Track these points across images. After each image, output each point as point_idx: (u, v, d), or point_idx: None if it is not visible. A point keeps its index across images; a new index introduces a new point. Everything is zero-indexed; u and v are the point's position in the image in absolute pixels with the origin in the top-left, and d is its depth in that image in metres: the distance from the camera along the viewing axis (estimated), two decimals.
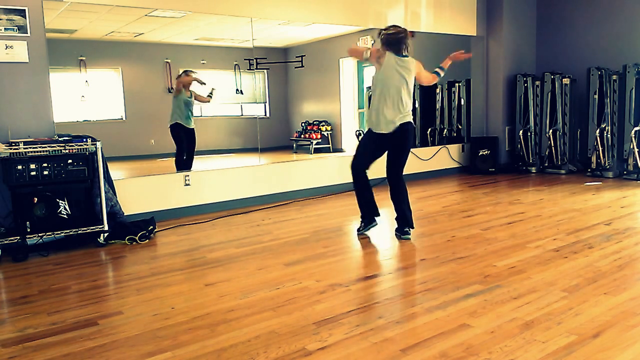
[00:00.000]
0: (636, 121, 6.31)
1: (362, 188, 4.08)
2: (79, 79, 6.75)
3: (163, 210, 4.88)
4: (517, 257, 3.38)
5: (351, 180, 4.10)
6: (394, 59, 3.85)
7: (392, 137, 3.91)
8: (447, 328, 2.34)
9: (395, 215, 4.05)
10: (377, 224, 4.18)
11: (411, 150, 4.05)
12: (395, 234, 4.03)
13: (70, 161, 3.88)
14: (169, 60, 6.79)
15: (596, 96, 6.52)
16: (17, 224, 3.81)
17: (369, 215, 4.14)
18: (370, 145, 4.03)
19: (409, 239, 3.94)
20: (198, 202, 5.14)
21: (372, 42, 7.55)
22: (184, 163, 6.06)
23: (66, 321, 2.58)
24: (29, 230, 3.78)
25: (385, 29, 3.94)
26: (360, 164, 4.05)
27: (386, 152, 4.01)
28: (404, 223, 4.00)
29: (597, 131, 6.52)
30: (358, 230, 4.16)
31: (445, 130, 8.08)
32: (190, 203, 5.09)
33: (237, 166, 5.58)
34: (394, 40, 3.86)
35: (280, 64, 9.13)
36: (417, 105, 8.16)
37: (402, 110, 3.87)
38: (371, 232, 4.14)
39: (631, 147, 6.29)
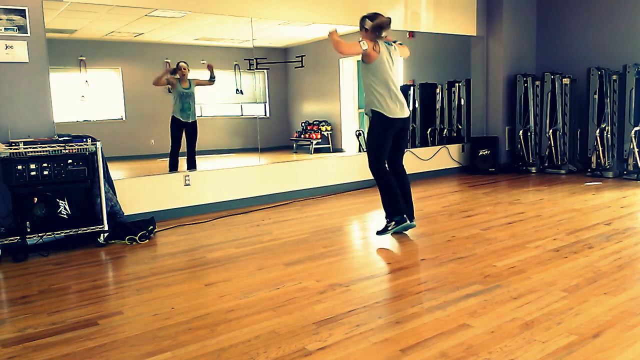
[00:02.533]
0: (636, 121, 6.31)
1: (393, 184, 3.92)
2: (79, 79, 6.75)
3: (163, 210, 4.88)
4: (517, 257, 3.38)
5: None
6: (384, 46, 3.89)
7: (404, 122, 3.95)
8: (447, 328, 2.34)
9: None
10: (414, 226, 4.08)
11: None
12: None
13: (70, 161, 3.88)
14: (169, 60, 6.77)
15: (596, 96, 6.52)
16: (17, 224, 3.81)
17: (402, 213, 3.95)
18: (388, 135, 3.89)
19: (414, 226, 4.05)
20: (198, 202, 5.14)
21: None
22: (187, 160, 6.04)
23: (66, 321, 2.58)
24: (29, 230, 3.78)
25: (369, 17, 3.87)
26: (383, 160, 3.92)
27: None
28: (411, 211, 4.06)
29: (597, 131, 6.52)
30: (386, 230, 3.96)
31: (445, 130, 8.08)
32: (190, 203, 5.09)
33: (237, 166, 5.58)
34: (381, 25, 3.85)
35: (280, 64, 9.12)
36: (417, 105, 8.16)
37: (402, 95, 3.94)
38: (371, 232, 4.14)
39: (631, 147, 6.29)
